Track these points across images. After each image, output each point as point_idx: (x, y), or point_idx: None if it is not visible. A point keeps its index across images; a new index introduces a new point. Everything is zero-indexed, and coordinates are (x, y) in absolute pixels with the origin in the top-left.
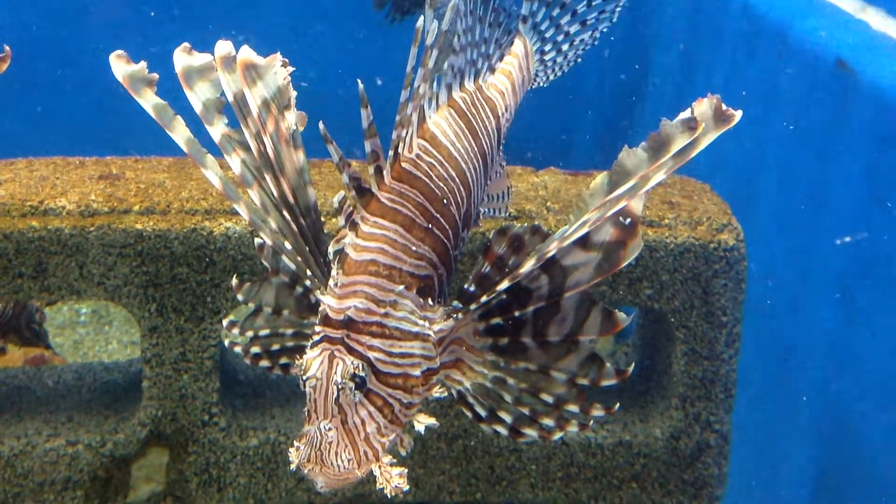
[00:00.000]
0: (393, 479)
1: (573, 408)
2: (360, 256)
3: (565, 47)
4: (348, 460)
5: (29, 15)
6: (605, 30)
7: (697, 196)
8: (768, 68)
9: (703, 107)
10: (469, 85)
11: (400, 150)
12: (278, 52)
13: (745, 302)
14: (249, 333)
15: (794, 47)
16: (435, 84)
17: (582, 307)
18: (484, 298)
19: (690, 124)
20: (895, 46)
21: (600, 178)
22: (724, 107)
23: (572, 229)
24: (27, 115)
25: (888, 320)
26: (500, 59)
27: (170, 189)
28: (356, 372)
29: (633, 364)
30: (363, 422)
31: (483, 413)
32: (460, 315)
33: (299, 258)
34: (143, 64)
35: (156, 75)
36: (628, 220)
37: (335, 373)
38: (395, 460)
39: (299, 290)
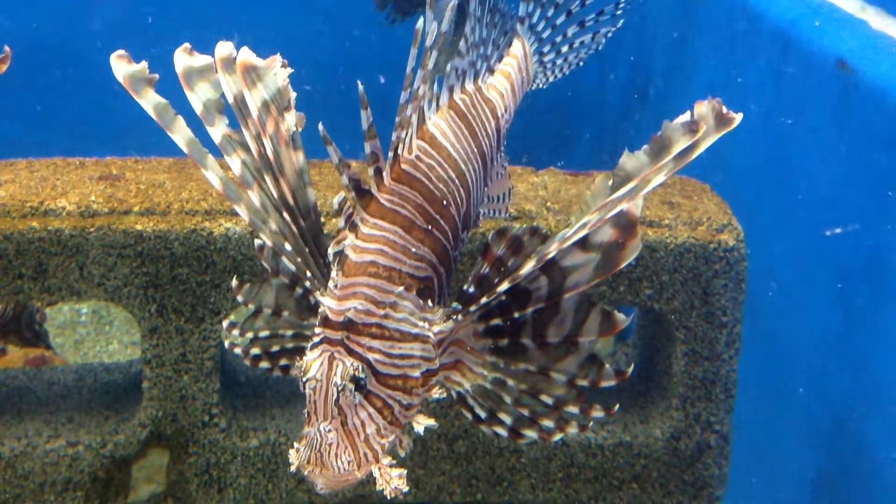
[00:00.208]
0: (393, 480)
1: (573, 409)
2: (360, 258)
3: (565, 49)
4: (348, 462)
5: (29, 15)
6: (609, 34)
7: (697, 196)
8: (768, 68)
9: (703, 109)
10: (469, 86)
11: (399, 151)
12: (278, 54)
13: (746, 302)
14: (249, 334)
15: (794, 47)
16: (436, 85)
17: (581, 308)
18: (483, 300)
19: (691, 127)
20: (895, 46)
21: (601, 180)
22: (724, 109)
23: (573, 231)
24: (27, 115)
25: (888, 320)
26: (499, 60)
27: (170, 190)
28: (356, 373)
29: (633, 364)
30: (363, 423)
31: (483, 414)
32: (460, 316)
33: (299, 259)
34: (143, 64)
35: (156, 75)
36: (627, 220)
37: (335, 374)
38: (394, 461)
39: (299, 291)
